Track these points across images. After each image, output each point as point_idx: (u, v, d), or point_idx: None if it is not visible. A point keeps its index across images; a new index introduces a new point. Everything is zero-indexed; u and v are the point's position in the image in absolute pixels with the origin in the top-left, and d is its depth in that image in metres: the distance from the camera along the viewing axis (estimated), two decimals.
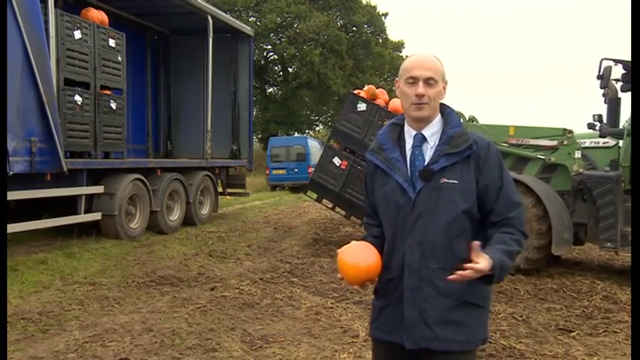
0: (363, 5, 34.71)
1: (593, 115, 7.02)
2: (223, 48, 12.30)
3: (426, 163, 1.99)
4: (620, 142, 6.83)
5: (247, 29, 13.11)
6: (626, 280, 6.23)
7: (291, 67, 33.96)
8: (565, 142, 7.13)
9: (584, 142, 7.18)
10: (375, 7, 35.46)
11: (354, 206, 8.98)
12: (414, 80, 1.98)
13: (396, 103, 9.34)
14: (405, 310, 1.99)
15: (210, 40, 11.28)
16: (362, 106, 8.93)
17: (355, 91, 9.63)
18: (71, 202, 8.10)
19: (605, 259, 7.94)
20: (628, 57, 6.60)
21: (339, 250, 2.04)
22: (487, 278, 1.91)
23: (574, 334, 4.67)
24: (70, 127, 7.89)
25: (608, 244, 6.52)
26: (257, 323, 4.82)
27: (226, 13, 15.41)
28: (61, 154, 7.35)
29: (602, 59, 6.71)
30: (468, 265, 1.86)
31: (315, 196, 9.77)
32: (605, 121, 6.90)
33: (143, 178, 9.32)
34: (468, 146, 1.96)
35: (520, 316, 5.08)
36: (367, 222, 2.23)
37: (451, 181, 1.95)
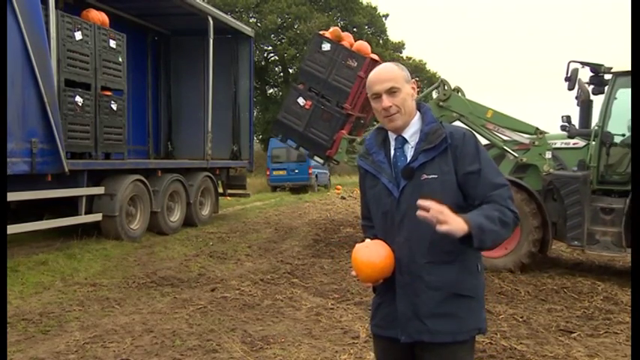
0: (364, 6, 34.72)
1: (562, 116, 7.21)
2: (224, 49, 12.31)
3: (407, 162, 2.06)
4: (591, 144, 6.98)
5: (248, 30, 13.12)
6: (627, 281, 6.22)
7: (291, 68, 33.96)
8: (536, 143, 7.30)
9: (555, 143, 7.37)
10: (375, 8, 35.48)
11: (318, 146, 9.08)
12: (377, 95, 2.07)
13: (360, 45, 9.31)
14: (398, 306, 2.05)
15: (211, 40, 11.28)
16: (326, 46, 8.97)
17: (321, 32, 9.63)
18: (72, 202, 8.11)
19: (605, 260, 7.93)
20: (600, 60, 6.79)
21: (355, 248, 2.07)
22: (468, 239, 1.88)
23: (575, 335, 4.66)
24: (70, 127, 7.89)
25: (575, 242, 6.70)
26: (258, 324, 4.82)
27: (227, 14, 15.42)
28: (62, 154, 7.36)
29: (570, 62, 6.93)
30: (434, 207, 1.85)
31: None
32: (577, 122, 7.08)
33: (144, 178, 9.32)
34: (442, 139, 2.01)
35: (521, 317, 5.08)
36: (364, 224, 2.32)
37: (431, 176, 2.01)
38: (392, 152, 2.11)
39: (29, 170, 6.96)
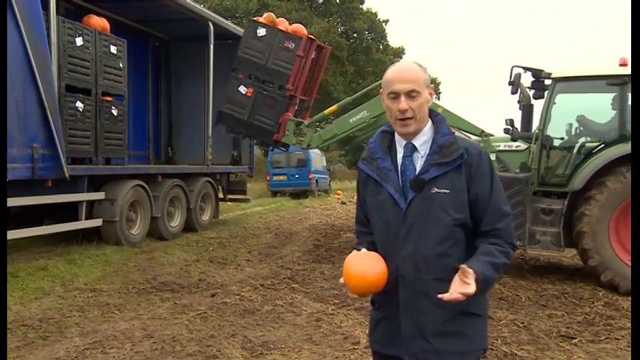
0: (364, 12, 34.83)
1: (506, 120, 7.40)
2: (224, 54, 12.26)
3: (416, 172, 1.95)
4: (532, 147, 7.18)
5: None
6: None
7: None
8: (481, 145, 7.38)
9: (499, 146, 7.57)
10: (375, 14, 35.61)
11: (265, 132, 8.97)
12: (395, 95, 1.94)
13: (296, 26, 9.27)
14: (402, 324, 1.95)
15: (211, 46, 11.30)
16: (262, 31, 8.88)
17: (254, 18, 9.55)
18: (72, 208, 8.10)
19: None
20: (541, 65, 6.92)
21: (348, 257, 1.98)
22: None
23: (576, 340, 4.65)
24: (71, 133, 7.90)
25: (518, 242, 6.85)
26: (258, 330, 4.81)
27: (227, 19, 15.46)
28: (63, 160, 7.37)
29: (513, 66, 7.13)
30: (459, 290, 1.80)
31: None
32: (519, 125, 7.25)
33: (144, 184, 9.32)
34: (459, 155, 1.92)
35: (521, 323, 5.06)
36: (359, 229, 2.20)
37: (442, 191, 1.91)
38: (399, 159, 1.99)
39: (30, 175, 6.96)
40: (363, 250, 1.99)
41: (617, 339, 4.71)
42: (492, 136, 7.80)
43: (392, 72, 1.98)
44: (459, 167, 1.92)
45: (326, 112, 9.24)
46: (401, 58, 37.07)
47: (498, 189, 1.98)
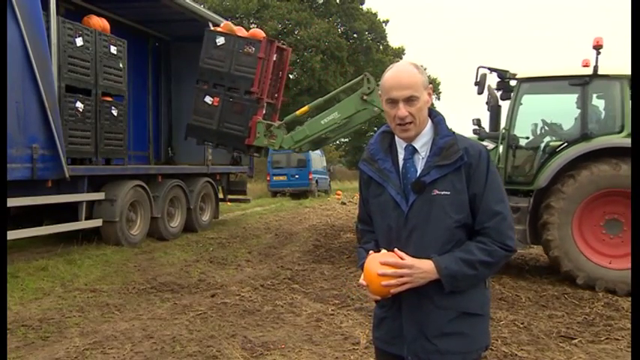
0: (364, 12, 34.86)
1: (473, 120, 7.52)
2: None
3: (417, 174, 1.95)
4: (499, 146, 7.26)
5: None
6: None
7: (292, 74, 34.05)
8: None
9: None
10: (375, 14, 35.64)
11: (235, 138, 8.99)
12: (393, 101, 1.93)
13: (254, 31, 9.37)
14: (405, 325, 1.97)
15: None
16: (220, 40, 8.96)
17: (212, 28, 9.59)
18: (72, 208, 8.11)
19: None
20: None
21: (369, 258, 1.97)
22: (442, 283, 1.89)
23: (576, 341, 4.65)
24: (71, 133, 7.90)
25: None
26: (258, 330, 4.81)
27: (227, 19, 15.45)
28: (63, 160, 7.38)
29: (479, 67, 7.19)
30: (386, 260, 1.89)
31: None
32: (487, 125, 7.36)
33: (144, 184, 9.33)
34: (458, 157, 1.91)
35: (521, 323, 5.06)
36: (363, 228, 2.21)
37: (443, 193, 1.91)
38: (400, 161, 2.00)
39: (30, 176, 6.97)
40: (383, 250, 1.97)
41: (617, 339, 4.71)
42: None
43: (389, 77, 1.96)
44: (458, 169, 1.92)
45: (297, 113, 9.28)
46: (401, 58, 37.10)
47: (492, 188, 1.96)
